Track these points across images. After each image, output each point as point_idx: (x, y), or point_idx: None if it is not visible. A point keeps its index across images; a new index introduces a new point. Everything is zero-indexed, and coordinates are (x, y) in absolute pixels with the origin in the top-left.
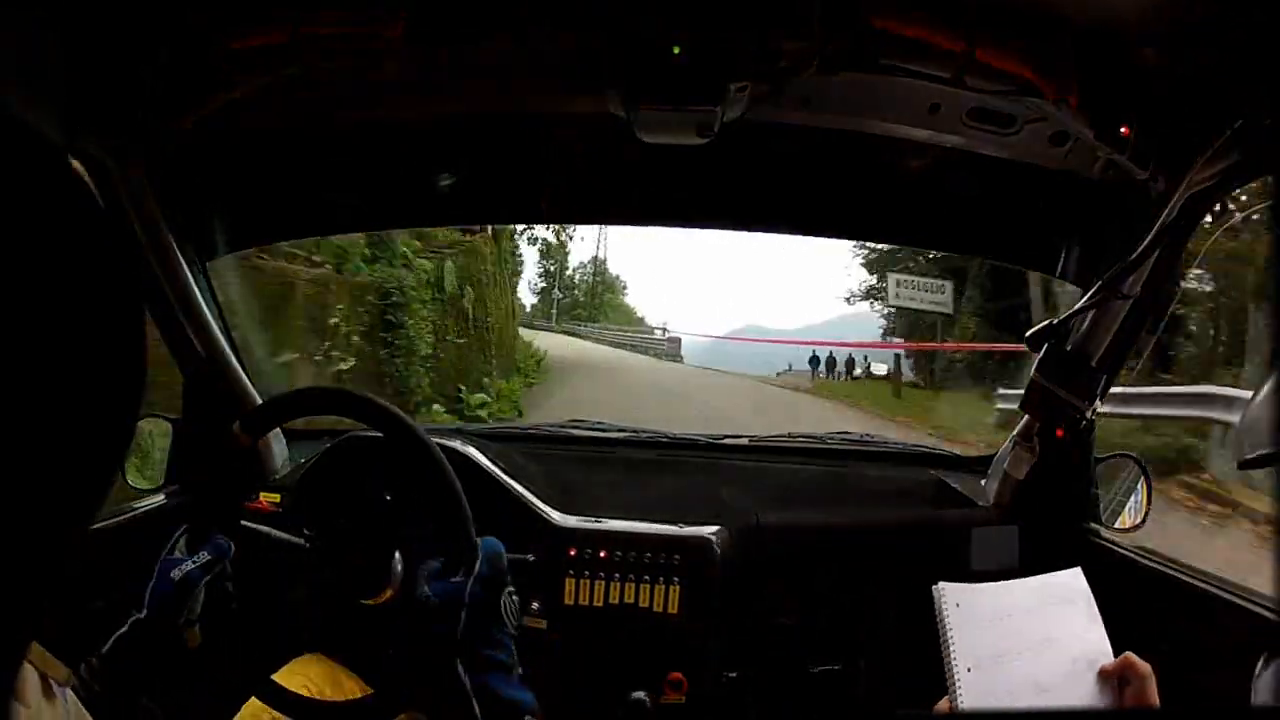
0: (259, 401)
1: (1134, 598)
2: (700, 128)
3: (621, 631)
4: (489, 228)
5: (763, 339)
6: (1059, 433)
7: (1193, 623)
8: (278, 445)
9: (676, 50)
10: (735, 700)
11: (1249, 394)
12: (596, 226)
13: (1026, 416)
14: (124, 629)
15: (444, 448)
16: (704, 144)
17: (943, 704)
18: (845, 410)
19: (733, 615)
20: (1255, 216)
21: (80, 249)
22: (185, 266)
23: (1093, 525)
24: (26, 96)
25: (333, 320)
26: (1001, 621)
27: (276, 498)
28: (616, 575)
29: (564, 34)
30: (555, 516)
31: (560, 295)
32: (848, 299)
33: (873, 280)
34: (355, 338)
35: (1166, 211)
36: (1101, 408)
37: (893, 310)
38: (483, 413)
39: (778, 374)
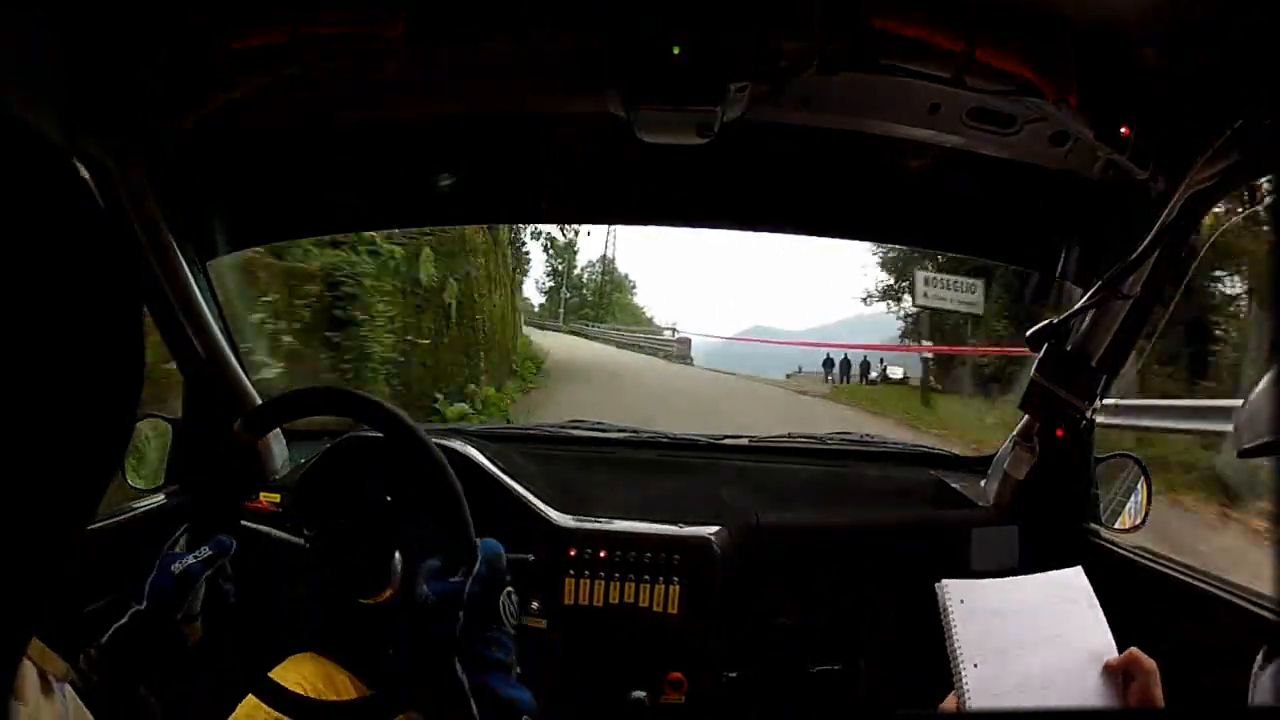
0: (259, 401)
1: (1134, 598)
2: (700, 128)
3: (621, 631)
4: None
5: (771, 340)
6: (1059, 433)
7: (1193, 623)
8: (278, 445)
9: (676, 50)
10: (735, 700)
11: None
12: (605, 225)
13: (1026, 416)
14: (123, 620)
15: (444, 448)
16: (704, 144)
17: (949, 700)
18: (874, 420)
19: (733, 615)
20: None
21: (80, 249)
22: (185, 266)
23: (1093, 525)
24: (26, 96)
25: (256, 316)
26: (1005, 617)
27: (276, 498)
28: (616, 575)
29: (564, 34)
30: (555, 516)
31: (568, 295)
32: (864, 299)
33: (890, 280)
34: (288, 337)
35: (1166, 211)
36: (1118, 420)
37: (913, 311)
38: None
39: (787, 376)
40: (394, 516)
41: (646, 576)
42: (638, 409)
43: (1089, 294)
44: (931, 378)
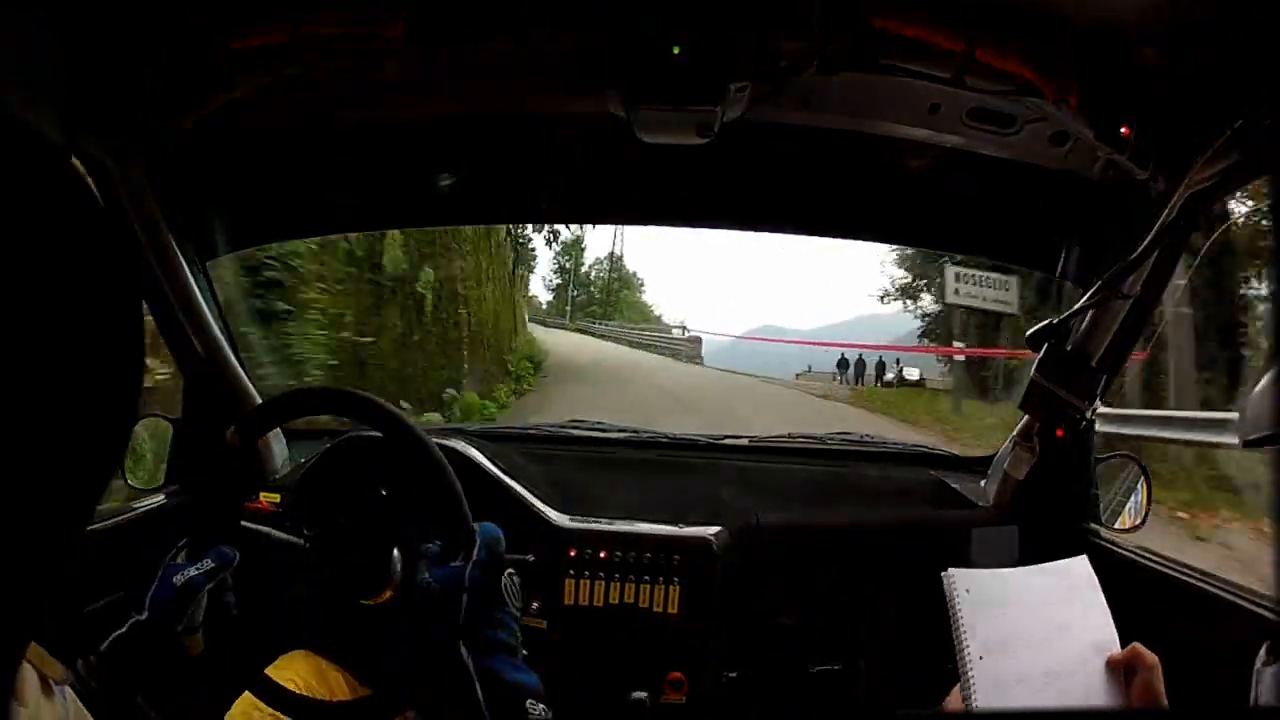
0: (259, 401)
1: (1134, 598)
2: (700, 128)
3: (621, 631)
4: None
5: (781, 339)
6: (1059, 433)
7: (1193, 623)
8: (278, 445)
9: (676, 50)
10: (735, 700)
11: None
12: (605, 225)
13: (1026, 416)
14: (123, 630)
15: (443, 447)
16: (704, 144)
17: (954, 694)
18: (910, 430)
19: (733, 615)
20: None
21: (80, 249)
22: (185, 266)
23: (1093, 525)
24: (26, 96)
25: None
26: (1010, 608)
27: (276, 498)
28: (616, 575)
29: (564, 34)
30: (555, 517)
31: (575, 292)
32: (881, 297)
33: (908, 278)
34: None
35: (1166, 211)
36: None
37: (931, 310)
38: None
39: (797, 376)
40: (394, 516)
41: (646, 577)
42: (642, 407)
43: (1089, 294)
44: (950, 379)
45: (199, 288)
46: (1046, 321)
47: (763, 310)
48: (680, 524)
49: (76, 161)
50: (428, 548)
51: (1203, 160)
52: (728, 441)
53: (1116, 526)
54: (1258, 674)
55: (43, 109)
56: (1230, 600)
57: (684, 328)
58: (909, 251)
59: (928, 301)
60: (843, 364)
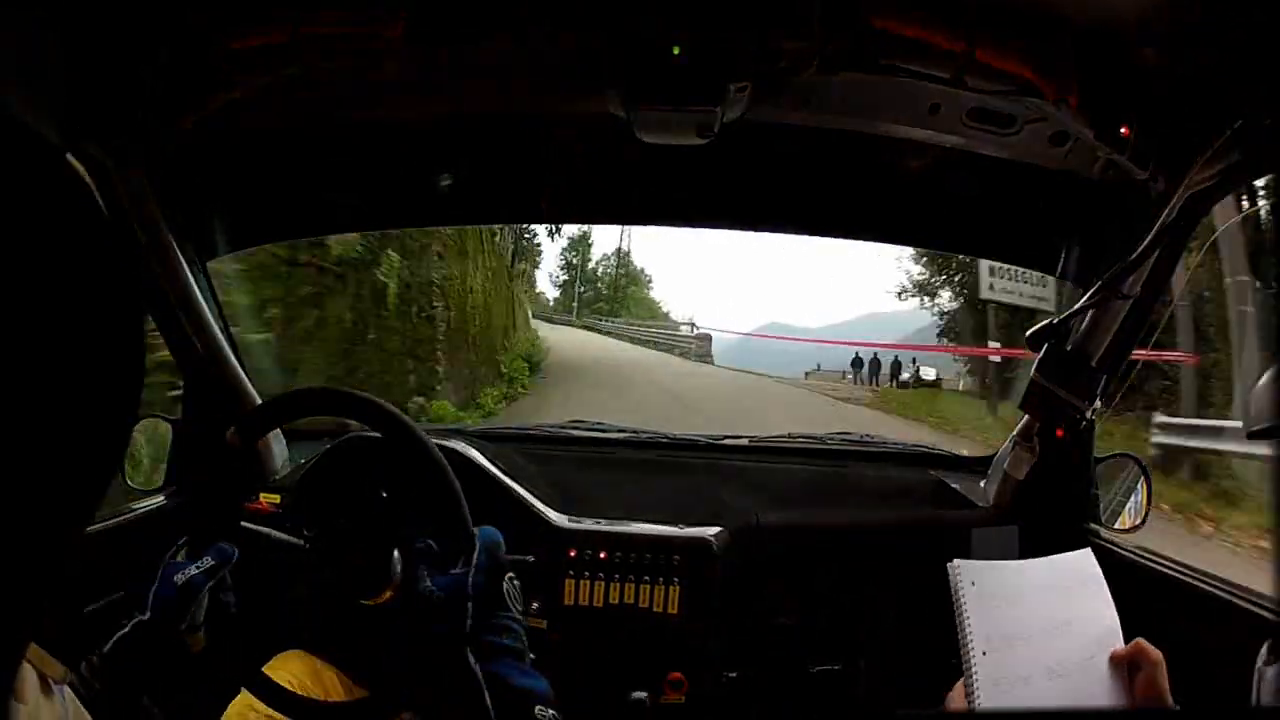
0: (259, 401)
1: (1134, 598)
2: (700, 128)
3: (621, 632)
4: None
5: (790, 337)
6: (1059, 433)
7: (1193, 623)
8: (278, 445)
9: (676, 50)
10: (735, 700)
11: None
12: (605, 225)
13: (1026, 416)
14: (125, 630)
15: (443, 448)
16: (704, 144)
17: (957, 689)
18: (955, 440)
19: (733, 615)
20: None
21: (80, 249)
22: (185, 266)
23: (1093, 525)
24: (26, 96)
25: None
26: (1015, 602)
27: (276, 498)
28: (616, 576)
29: (564, 34)
30: (554, 517)
31: (582, 288)
32: (899, 294)
33: (925, 275)
34: None
35: (1166, 211)
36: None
37: (949, 308)
38: None
39: (806, 374)
40: (394, 516)
41: (646, 577)
42: (647, 414)
43: (1089, 294)
44: (969, 379)
45: (199, 288)
46: (1046, 321)
47: (770, 307)
48: (680, 524)
49: (76, 162)
50: (427, 544)
51: (1203, 160)
52: (727, 442)
53: (1116, 526)
54: (1259, 673)
55: (43, 109)
56: (1230, 600)
57: (693, 324)
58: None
59: (946, 299)
60: (857, 363)
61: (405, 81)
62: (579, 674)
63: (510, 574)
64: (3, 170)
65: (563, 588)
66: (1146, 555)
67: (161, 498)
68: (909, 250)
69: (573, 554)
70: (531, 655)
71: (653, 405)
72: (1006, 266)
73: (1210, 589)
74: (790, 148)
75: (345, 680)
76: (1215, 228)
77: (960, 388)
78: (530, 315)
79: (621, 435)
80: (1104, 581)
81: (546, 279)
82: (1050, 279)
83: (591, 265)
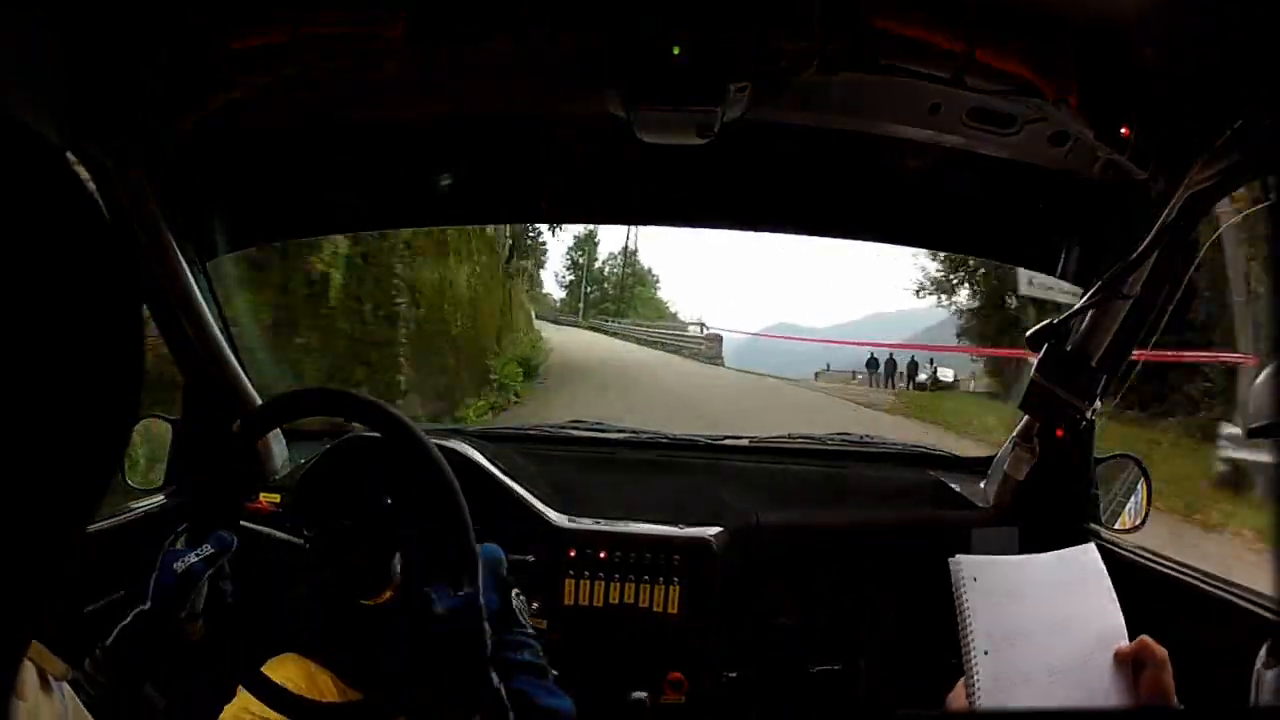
0: (259, 402)
1: (1135, 598)
2: (700, 128)
3: (621, 631)
4: None
5: (798, 337)
6: (1059, 433)
7: (1193, 623)
8: (278, 445)
9: (676, 50)
10: (735, 700)
11: None
12: (604, 225)
13: (1026, 417)
14: (127, 620)
15: (442, 448)
16: (704, 144)
17: (958, 688)
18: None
19: (733, 615)
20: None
21: (80, 249)
22: (185, 266)
23: (1093, 526)
24: (26, 96)
25: None
26: (1017, 599)
27: (276, 498)
28: (616, 576)
29: (564, 34)
30: (554, 517)
31: (589, 289)
32: (917, 292)
33: (941, 272)
34: None
35: (1166, 211)
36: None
37: (967, 307)
38: None
39: (815, 375)
40: (394, 517)
41: (646, 577)
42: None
43: (1089, 294)
44: (989, 381)
45: (199, 288)
46: (1046, 321)
47: (777, 307)
48: (680, 524)
49: (76, 162)
50: (426, 551)
51: (1203, 160)
52: (727, 442)
53: (1116, 527)
54: (1257, 675)
55: (43, 109)
56: (1231, 600)
57: (702, 325)
58: None
59: (964, 297)
60: (872, 364)
61: (405, 81)
62: (579, 674)
63: (516, 589)
64: (3, 170)
65: (563, 588)
66: (1147, 555)
67: (161, 497)
68: (922, 249)
69: (573, 554)
70: (554, 672)
71: (662, 412)
72: None
73: (1210, 589)
74: (790, 148)
75: (339, 683)
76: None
77: (971, 389)
78: (534, 316)
79: (621, 435)
80: (1107, 576)
81: (552, 279)
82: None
83: (598, 265)
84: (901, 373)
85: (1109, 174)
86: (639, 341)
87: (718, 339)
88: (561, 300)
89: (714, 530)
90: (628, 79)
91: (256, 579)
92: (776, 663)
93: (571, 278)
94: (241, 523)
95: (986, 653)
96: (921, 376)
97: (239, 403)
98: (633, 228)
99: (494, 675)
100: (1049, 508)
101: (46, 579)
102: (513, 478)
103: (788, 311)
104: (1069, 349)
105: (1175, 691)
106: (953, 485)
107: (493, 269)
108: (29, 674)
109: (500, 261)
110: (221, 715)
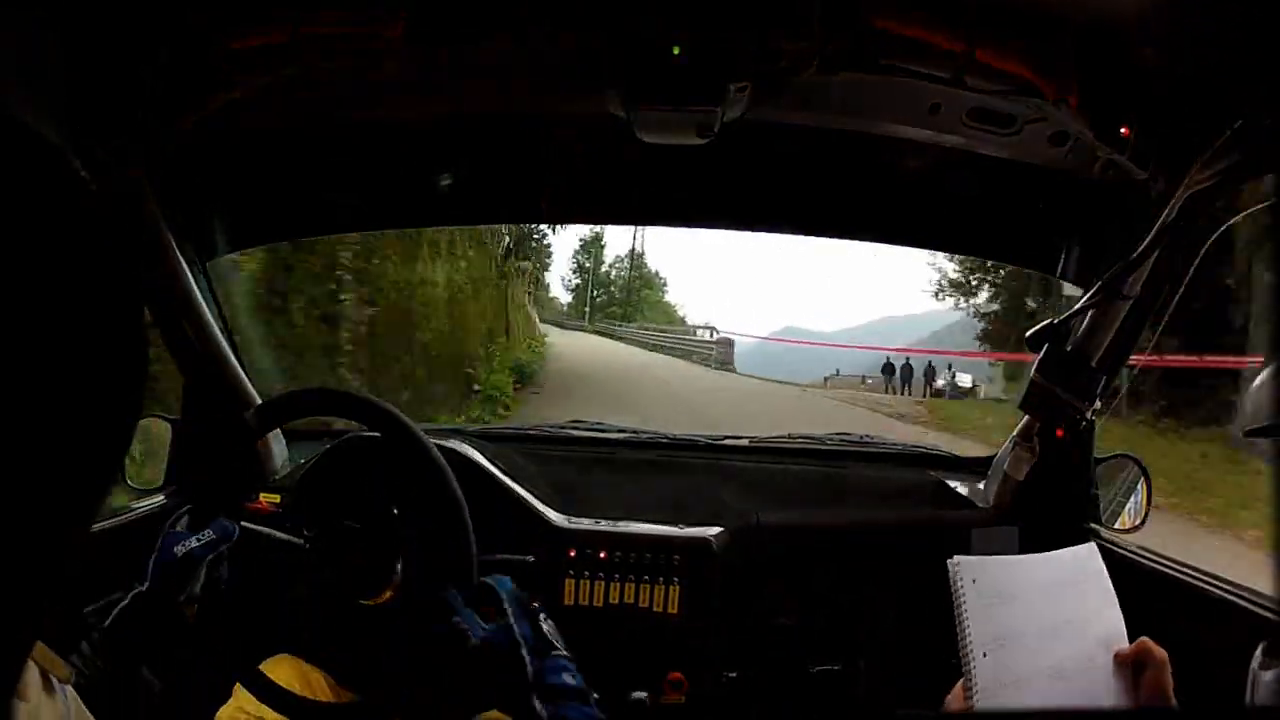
0: (259, 402)
1: (1135, 598)
2: (700, 128)
3: (621, 631)
4: None
5: (807, 341)
6: (1059, 433)
7: (1193, 623)
8: (278, 445)
9: (676, 50)
10: (735, 700)
11: None
12: (604, 225)
13: (1026, 417)
14: (125, 601)
15: (442, 448)
16: (704, 144)
17: (957, 689)
18: None
19: (733, 615)
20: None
21: (80, 249)
22: (185, 266)
23: (1093, 526)
24: (26, 96)
25: None
26: (1016, 601)
27: (276, 498)
28: (616, 576)
29: (564, 34)
30: (554, 517)
31: (595, 293)
32: (935, 294)
33: (959, 272)
34: None
35: (1166, 211)
36: None
37: (988, 310)
38: None
39: (825, 380)
40: (393, 517)
41: (646, 577)
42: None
43: (1089, 294)
44: (1009, 385)
45: (199, 288)
46: (1046, 321)
47: (785, 311)
48: (680, 524)
49: (76, 161)
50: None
51: (1203, 160)
52: (728, 442)
53: (1116, 527)
54: (1254, 675)
55: (43, 109)
56: (1230, 600)
57: (711, 329)
58: None
59: (984, 298)
60: (888, 369)
61: (405, 81)
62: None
63: (542, 614)
64: (3, 170)
65: (563, 588)
66: (1146, 555)
67: (161, 497)
68: (922, 249)
69: (573, 554)
70: (595, 695)
71: (672, 423)
72: None
73: (1210, 589)
74: (790, 148)
75: (333, 684)
76: None
77: (983, 395)
78: (539, 320)
79: (621, 435)
80: (1107, 576)
81: (559, 282)
82: None
83: (604, 268)
84: (919, 378)
85: (1109, 174)
86: (648, 347)
87: (729, 343)
88: (568, 304)
89: (714, 530)
90: (628, 79)
91: (256, 578)
92: (776, 663)
93: (577, 281)
94: (242, 523)
95: (985, 654)
96: (940, 382)
97: (239, 403)
98: (639, 230)
99: (537, 703)
100: (1049, 508)
101: (49, 580)
102: (513, 478)
103: (795, 315)
104: (1069, 349)
105: (1175, 692)
106: (953, 485)
107: (483, 267)
108: (32, 675)
109: (494, 260)
110: (218, 715)
